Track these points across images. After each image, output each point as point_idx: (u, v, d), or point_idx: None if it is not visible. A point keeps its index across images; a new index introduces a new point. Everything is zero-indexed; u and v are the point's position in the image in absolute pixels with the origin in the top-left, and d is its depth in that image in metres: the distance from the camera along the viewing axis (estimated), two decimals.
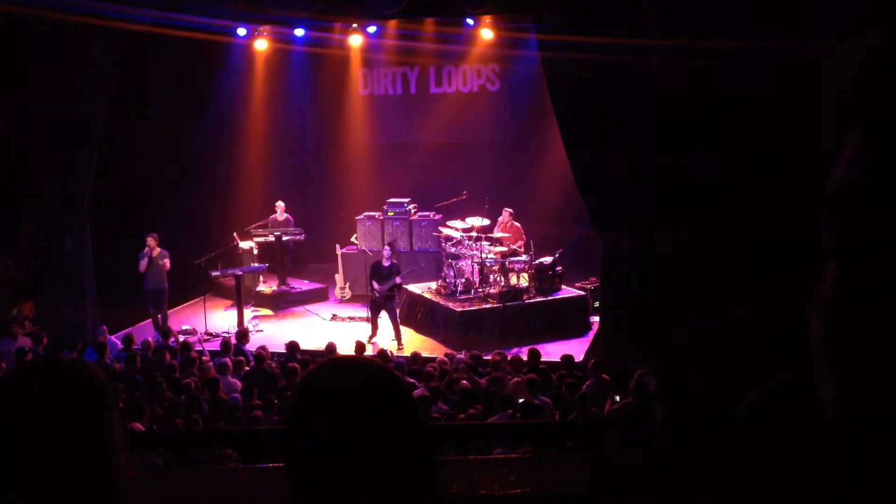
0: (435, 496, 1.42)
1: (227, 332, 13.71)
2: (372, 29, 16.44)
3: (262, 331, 14.12)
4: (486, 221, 14.43)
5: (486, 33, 15.86)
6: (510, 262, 13.92)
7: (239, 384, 10.08)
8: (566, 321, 13.64)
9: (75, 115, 12.80)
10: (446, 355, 11.27)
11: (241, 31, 15.95)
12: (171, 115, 15.42)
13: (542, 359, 11.08)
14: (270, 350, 11.84)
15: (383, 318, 13.54)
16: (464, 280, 13.92)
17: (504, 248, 14.19)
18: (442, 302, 13.76)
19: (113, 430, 1.63)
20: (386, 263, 13.49)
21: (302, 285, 16.43)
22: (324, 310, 15.46)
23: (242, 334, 12.63)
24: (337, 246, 16.11)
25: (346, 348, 12.05)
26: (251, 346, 12.27)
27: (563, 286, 14.13)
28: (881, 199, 0.99)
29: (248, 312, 15.06)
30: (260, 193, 17.17)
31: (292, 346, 11.68)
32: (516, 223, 14.94)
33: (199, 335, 13.98)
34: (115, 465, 1.60)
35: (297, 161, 17.94)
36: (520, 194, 16.05)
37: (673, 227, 10.76)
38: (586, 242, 13.20)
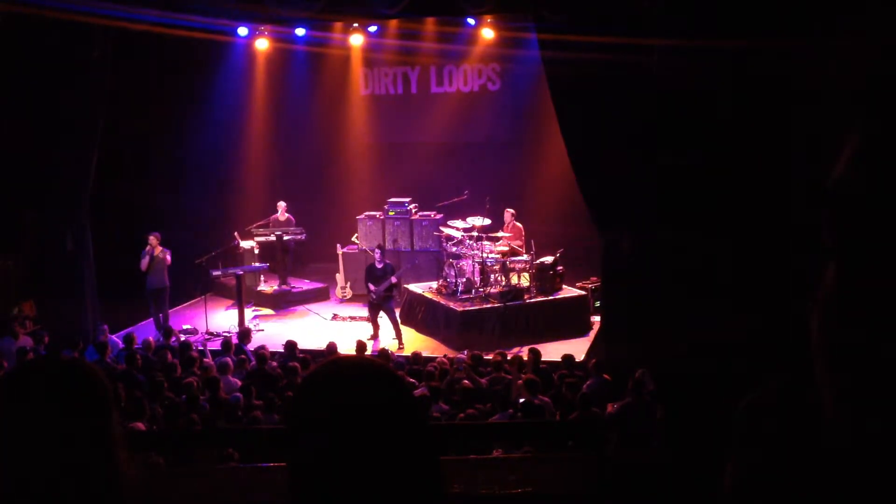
0: (437, 496, 1.42)
1: (228, 332, 13.72)
2: (373, 28, 16.43)
3: (262, 330, 14.12)
4: (487, 221, 14.43)
5: (487, 33, 15.85)
6: (511, 262, 13.92)
7: (239, 383, 10.08)
8: (567, 321, 13.63)
9: (75, 115, 12.79)
10: (447, 358, 11.25)
11: (242, 31, 15.94)
12: (171, 114, 15.42)
13: (543, 358, 11.07)
14: (270, 349, 11.84)
15: (383, 318, 13.54)
16: (465, 280, 13.91)
17: (505, 248, 14.19)
18: (443, 301, 13.76)
19: (113, 430, 1.63)
20: (379, 265, 13.50)
21: (303, 285, 16.43)
22: (325, 309, 15.46)
23: (244, 334, 12.64)
24: (338, 245, 16.11)
25: (346, 348, 12.04)
26: (252, 345, 12.28)
27: (563, 286, 14.13)
28: (881, 199, 0.99)
29: (249, 312, 15.06)
30: (261, 193, 17.17)
31: (290, 346, 11.68)
32: (518, 224, 14.94)
33: (201, 335, 13.99)
34: (115, 465, 1.61)
35: (297, 161, 17.94)
36: (521, 194, 16.04)
37: (673, 227, 10.76)
38: (587, 242, 13.20)
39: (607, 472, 3.51)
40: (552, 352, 11.90)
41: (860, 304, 1.00)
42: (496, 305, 13.38)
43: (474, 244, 14.08)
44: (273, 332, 14.03)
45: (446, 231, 14.78)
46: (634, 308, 11.31)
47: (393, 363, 10.92)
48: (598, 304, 13.47)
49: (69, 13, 11.58)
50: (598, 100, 11.29)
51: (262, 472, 3.47)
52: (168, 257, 14.10)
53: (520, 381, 9.60)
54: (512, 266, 13.91)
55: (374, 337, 13.42)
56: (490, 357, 11.14)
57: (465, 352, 11.54)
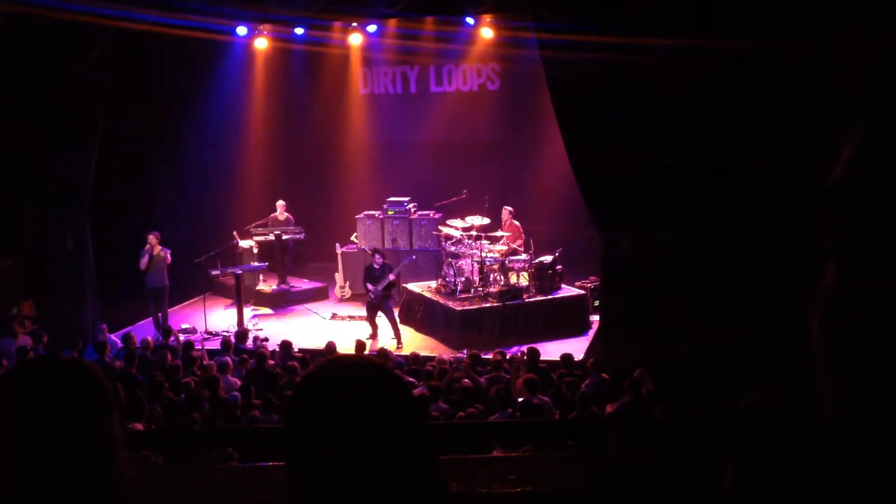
0: (436, 495, 1.42)
1: (227, 331, 13.72)
2: (372, 28, 16.43)
3: (261, 330, 14.11)
4: (486, 220, 14.42)
5: (486, 32, 15.85)
6: (510, 261, 13.92)
7: (238, 383, 10.08)
8: (566, 320, 13.63)
9: (75, 115, 12.79)
10: (445, 357, 11.25)
11: (241, 31, 15.94)
12: (170, 114, 15.41)
13: (542, 358, 11.08)
14: (269, 349, 11.85)
15: (382, 317, 13.55)
16: (464, 279, 13.91)
17: (504, 247, 14.19)
18: (442, 301, 13.76)
19: (113, 430, 1.63)
20: (377, 266, 13.50)
21: (302, 284, 16.43)
22: (324, 309, 15.46)
23: (241, 334, 12.64)
24: (337, 245, 16.11)
25: (345, 347, 12.04)
26: (250, 345, 12.29)
27: (562, 285, 14.13)
28: (880, 199, 0.99)
29: (248, 311, 15.06)
30: (260, 192, 17.17)
31: (285, 346, 11.68)
32: (516, 222, 14.94)
33: (199, 334, 13.99)
34: (114, 464, 1.61)
35: (296, 160, 17.93)
36: (520, 193, 16.04)
37: (673, 227, 10.76)
38: (586, 241, 13.20)
39: (607, 471, 3.51)
40: (551, 351, 11.90)
41: (860, 304, 1.00)
42: (495, 305, 13.38)
43: (473, 243, 14.08)
44: (272, 331, 14.02)
45: (445, 230, 14.77)
46: (633, 307, 11.31)
47: (392, 363, 10.92)
48: (597, 303, 13.47)
49: (69, 13, 11.57)
50: (597, 99, 11.28)
51: (261, 472, 3.48)
52: (168, 256, 14.10)
53: (519, 381, 9.61)
54: (511, 265, 13.91)
55: (373, 336, 13.43)
56: (489, 356, 11.14)
57: (465, 351, 11.55)
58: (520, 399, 8.69)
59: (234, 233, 15.93)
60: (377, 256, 13.70)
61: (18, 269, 13.87)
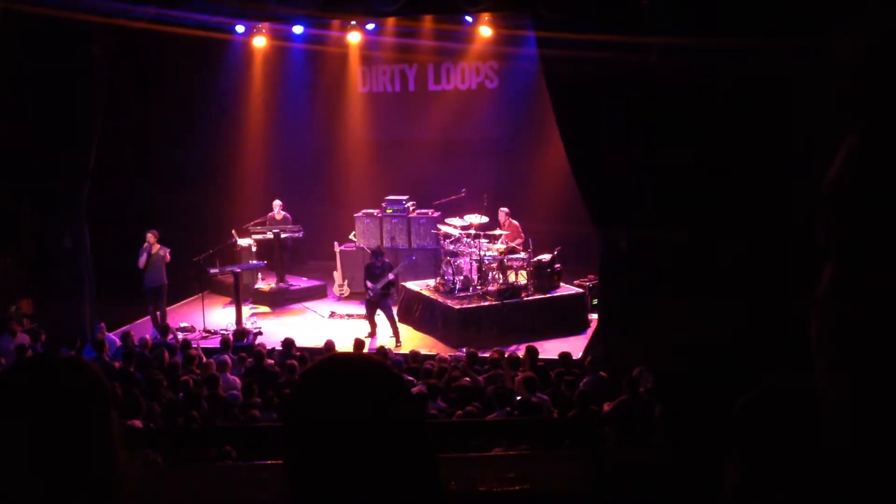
0: (434, 493, 1.42)
1: (226, 330, 13.72)
2: (370, 26, 16.43)
3: (260, 328, 14.11)
4: (485, 219, 14.43)
5: (485, 31, 15.86)
6: (508, 260, 13.92)
7: (238, 381, 10.08)
8: (565, 319, 13.64)
9: (74, 113, 12.78)
10: (449, 357, 11.25)
11: (240, 29, 15.94)
12: (169, 112, 15.40)
13: (541, 356, 11.08)
14: (268, 347, 11.84)
15: (381, 315, 13.55)
16: (462, 278, 13.91)
17: (502, 246, 14.19)
18: (440, 299, 13.76)
19: (111, 428, 1.63)
20: (377, 264, 13.51)
21: (300, 283, 16.43)
22: (322, 307, 15.46)
23: (240, 333, 12.63)
24: (335, 243, 16.11)
25: (344, 345, 12.04)
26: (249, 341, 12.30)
27: (561, 284, 14.13)
28: (877, 199, 0.99)
29: (247, 310, 15.06)
30: (258, 191, 17.16)
31: (288, 343, 11.68)
32: (514, 221, 14.94)
33: (198, 332, 13.99)
34: (113, 463, 1.60)
35: (295, 158, 17.93)
36: (518, 192, 16.04)
37: (672, 225, 10.76)
38: (585, 240, 13.20)
39: (605, 469, 3.51)
40: (550, 350, 11.91)
41: (858, 304, 1.00)
42: (494, 303, 13.38)
43: (472, 242, 14.09)
44: (271, 329, 14.03)
45: (444, 229, 14.77)
46: (632, 306, 11.32)
47: (391, 361, 10.91)
48: (595, 302, 13.48)
49: (68, 11, 11.57)
50: (596, 98, 11.29)
51: (260, 470, 3.47)
52: (167, 255, 14.10)
53: (518, 379, 9.61)
54: (509, 264, 13.91)
55: (372, 335, 13.43)
56: (487, 355, 11.15)
57: (464, 350, 11.56)
58: (518, 397, 8.69)
59: (233, 231, 15.93)
60: (378, 254, 13.71)
61: (17, 267, 13.86)
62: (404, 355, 11.65)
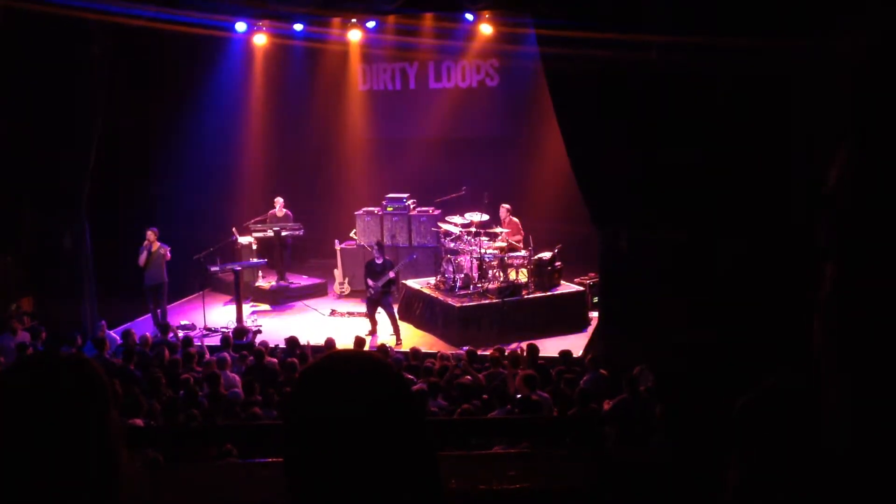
0: (434, 491, 1.42)
1: (226, 327, 13.72)
2: (371, 24, 16.42)
3: (260, 326, 14.12)
4: (486, 217, 14.43)
5: (486, 28, 15.85)
6: (509, 258, 13.92)
7: (238, 379, 10.08)
8: (565, 316, 13.64)
9: (74, 111, 12.78)
10: (450, 355, 11.25)
11: (241, 27, 15.92)
12: (169, 110, 15.40)
13: (541, 354, 11.08)
14: (269, 345, 11.84)
15: (381, 313, 13.56)
16: (463, 275, 13.91)
17: (503, 244, 14.19)
18: (441, 297, 13.77)
19: (111, 427, 1.63)
20: (378, 261, 13.51)
21: (301, 280, 16.43)
22: (323, 305, 15.46)
23: (239, 332, 12.63)
24: (336, 241, 16.12)
25: (344, 343, 12.04)
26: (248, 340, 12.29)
27: (561, 282, 14.13)
28: (876, 202, 0.99)
29: (247, 308, 15.06)
30: (259, 189, 17.17)
31: (292, 341, 11.67)
32: (515, 218, 14.93)
33: (199, 330, 13.99)
34: (113, 462, 1.61)
35: (295, 156, 17.93)
36: (519, 190, 16.04)
37: (672, 224, 10.76)
38: (585, 238, 13.20)
39: (605, 467, 3.52)
40: (550, 347, 11.91)
41: (859, 304, 1.01)
42: (494, 301, 13.38)
43: (472, 240, 14.09)
44: (271, 327, 14.03)
45: (444, 227, 14.77)
46: (632, 304, 11.32)
47: (391, 359, 10.91)
48: (595, 300, 13.47)
49: (68, 9, 11.56)
50: (596, 96, 11.28)
51: (260, 468, 3.48)
52: (168, 253, 14.10)
53: (518, 377, 9.61)
54: (510, 262, 13.91)
55: (372, 333, 13.44)
56: (488, 353, 11.15)
57: (465, 348, 11.57)
58: (518, 395, 8.69)
59: (234, 229, 15.93)
60: (375, 249, 13.69)
61: (17, 266, 13.86)
62: (405, 353, 11.65)
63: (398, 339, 13.13)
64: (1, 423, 1.57)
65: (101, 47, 12.73)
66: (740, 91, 10.23)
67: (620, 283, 11.74)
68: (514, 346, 11.95)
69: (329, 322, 14.42)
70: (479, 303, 13.44)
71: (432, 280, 14.57)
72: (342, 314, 14.80)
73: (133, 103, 14.28)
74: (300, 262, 17.40)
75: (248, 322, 14.19)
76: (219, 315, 14.91)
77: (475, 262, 13.90)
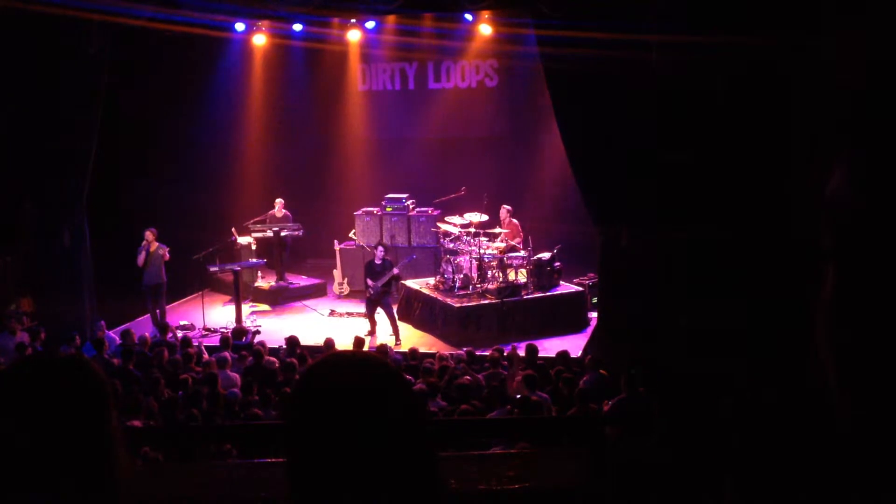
0: (435, 490, 1.42)
1: (226, 328, 13.72)
2: (370, 24, 16.41)
3: (259, 326, 14.12)
4: (485, 217, 14.43)
5: (485, 29, 15.85)
6: (508, 258, 13.92)
7: (238, 378, 10.09)
8: (564, 317, 13.65)
9: (73, 111, 12.78)
10: (449, 355, 11.25)
11: (240, 27, 15.92)
12: (168, 110, 15.40)
13: (540, 354, 11.08)
14: (268, 345, 11.83)
15: (380, 314, 13.55)
16: (462, 276, 13.91)
17: (502, 244, 14.19)
18: (440, 298, 13.76)
19: (111, 427, 1.63)
20: (378, 261, 13.50)
21: (300, 281, 16.43)
22: (322, 305, 15.46)
23: (239, 332, 12.62)
24: (335, 241, 16.11)
25: (344, 344, 12.04)
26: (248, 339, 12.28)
27: (561, 282, 14.13)
28: (875, 204, 0.99)
29: (247, 308, 15.06)
30: (258, 189, 17.16)
31: (292, 341, 11.67)
32: (514, 219, 14.94)
33: (198, 331, 13.99)
34: (113, 462, 1.60)
35: (295, 157, 17.93)
36: (518, 190, 16.04)
37: (672, 224, 10.75)
38: (585, 238, 13.21)
39: (605, 468, 3.51)
40: (549, 348, 11.91)
41: (858, 305, 1.00)
42: (493, 302, 13.38)
43: (472, 240, 14.09)
44: (270, 328, 14.03)
45: (444, 227, 14.78)
46: (632, 305, 11.31)
47: (390, 359, 10.90)
48: (595, 300, 13.47)
49: (67, 9, 11.56)
50: (596, 96, 11.28)
51: (260, 468, 3.47)
52: (166, 253, 14.09)
53: (517, 378, 9.61)
54: (509, 262, 13.91)
55: (372, 333, 13.43)
56: (487, 353, 11.15)
57: (464, 349, 11.56)
58: (518, 395, 8.70)
59: (233, 229, 15.92)
60: (379, 250, 13.68)
61: (16, 266, 13.86)
62: (403, 353, 11.65)
63: (397, 339, 13.13)
64: (0, 423, 1.57)
65: (101, 47, 12.72)
66: (741, 89, 10.22)
67: (620, 284, 11.74)
68: (513, 346, 11.94)
69: (328, 322, 14.42)
70: (478, 303, 13.44)
71: (431, 280, 14.57)
72: (341, 314, 14.79)
73: (133, 103, 14.28)
74: (299, 263, 17.39)
75: (248, 322, 14.18)
76: (218, 315, 14.91)
77: (474, 263, 13.90)
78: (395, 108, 17.95)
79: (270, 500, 2.91)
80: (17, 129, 12.72)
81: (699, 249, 10.56)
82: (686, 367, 9.19)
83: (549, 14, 11.45)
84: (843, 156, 1.05)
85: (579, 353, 11.77)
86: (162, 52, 14.68)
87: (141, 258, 14.01)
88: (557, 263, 14.02)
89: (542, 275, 13.87)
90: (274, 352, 11.49)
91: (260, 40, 16.79)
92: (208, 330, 14.05)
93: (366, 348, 11.85)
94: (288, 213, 16.36)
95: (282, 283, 16.01)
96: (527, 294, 13.68)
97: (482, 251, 13.91)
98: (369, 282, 13.41)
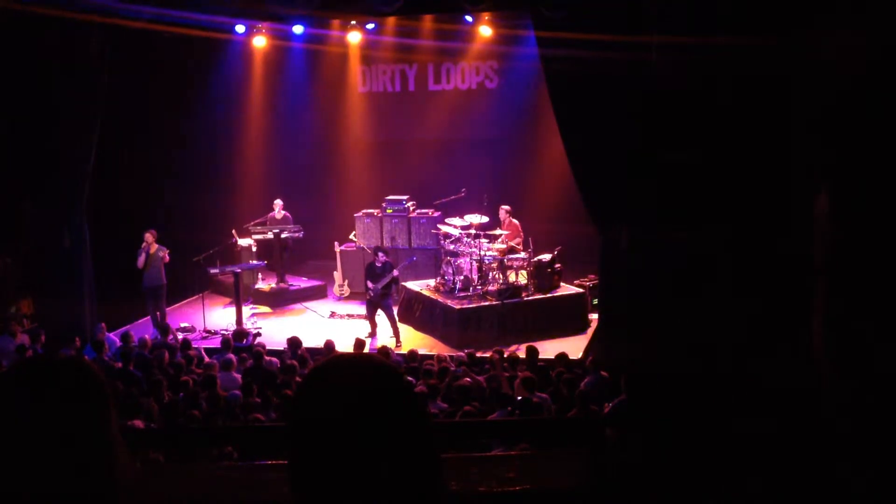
0: (436, 490, 1.42)
1: (226, 330, 13.72)
2: (370, 26, 16.42)
3: (260, 328, 14.11)
4: (485, 219, 14.42)
5: (485, 30, 15.85)
6: (509, 260, 13.92)
7: (239, 379, 10.09)
8: (565, 318, 13.64)
9: (73, 112, 12.79)
10: (449, 357, 11.25)
11: (240, 28, 15.92)
12: (169, 112, 15.40)
13: (541, 356, 11.08)
14: (268, 347, 11.84)
15: (381, 315, 13.55)
16: (462, 277, 13.91)
17: (503, 246, 14.18)
18: (440, 299, 13.76)
19: (112, 428, 1.63)
20: (378, 263, 13.50)
21: (300, 282, 16.43)
22: (322, 307, 15.46)
23: (239, 335, 12.62)
24: (335, 243, 16.11)
25: (344, 346, 12.04)
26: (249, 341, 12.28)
27: (561, 283, 14.13)
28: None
29: (247, 310, 15.06)
30: (258, 191, 17.17)
31: (294, 343, 11.67)
32: (514, 220, 14.93)
33: (198, 332, 13.99)
34: (114, 463, 1.60)
35: (295, 158, 17.93)
36: (519, 191, 16.04)
37: (672, 225, 10.76)
38: (585, 240, 13.21)
39: (605, 469, 3.51)
40: (550, 350, 11.91)
41: (852, 316, 1.01)
42: (494, 303, 13.38)
43: (472, 242, 14.08)
44: (271, 329, 14.03)
45: (444, 229, 14.77)
46: (632, 306, 11.31)
47: (391, 361, 10.91)
48: (595, 301, 13.47)
49: (67, 10, 11.57)
50: (596, 97, 11.28)
51: (261, 471, 3.47)
52: (166, 255, 14.08)
53: (517, 379, 9.61)
54: (510, 264, 13.91)
55: (372, 335, 13.43)
56: (487, 355, 11.15)
57: (465, 351, 11.56)
58: (518, 397, 8.70)
59: (233, 231, 15.93)
60: (380, 254, 13.68)
61: (17, 267, 13.86)
62: (404, 355, 11.65)
63: (398, 341, 13.13)
64: (0, 425, 1.57)
65: (101, 48, 12.73)
66: (740, 91, 10.23)
67: (620, 285, 11.73)
68: (513, 348, 11.95)
69: (329, 324, 14.42)
70: (478, 305, 13.44)
71: (432, 282, 14.57)
72: (342, 316, 14.80)
73: (133, 105, 14.28)
74: (300, 264, 17.40)
75: (248, 324, 14.18)
76: (218, 317, 14.91)
77: (475, 264, 13.90)
78: (396, 110, 17.96)
79: (272, 502, 2.91)
80: (18, 130, 12.73)
81: (699, 250, 10.56)
82: (687, 368, 9.19)
83: (549, 15, 11.46)
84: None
85: (580, 355, 11.77)
86: (162, 54, 14.69)
87: (141, 260, 14.01)
88: (558, 265, 14.02)
89: (543, 276, 13.87)
90: (276, 354, 11.49)
91: (260, 42, 16.79)
92: (209, 332, 14.05)
93: (366, 350, 11.85)
94: (288, 215, 16.36)
95: (282, 284, 16.01)
96: (527, 295, 13.67)
97: (482, 253, 13.91)
98: (369, 284, 13.41)
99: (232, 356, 10.71)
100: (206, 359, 11.34)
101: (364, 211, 16.42)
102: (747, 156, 10.19)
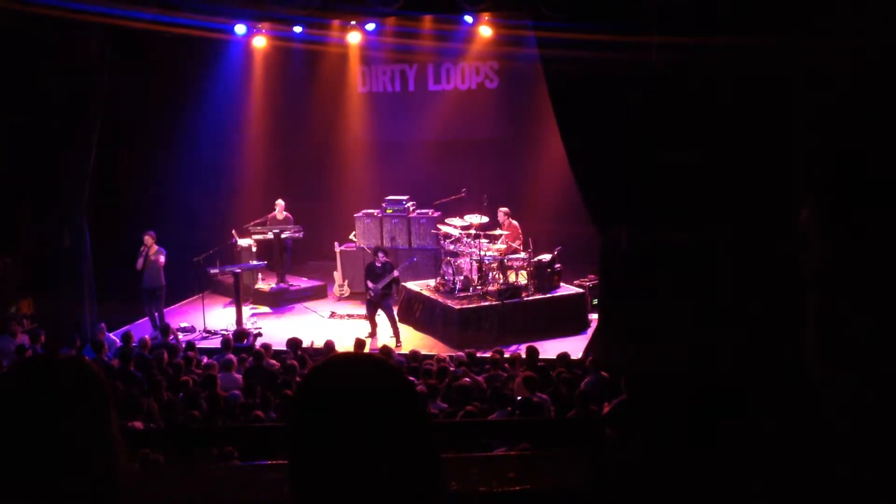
0: (437, 490, 1.42)
1: (226, 330, 13.72)
2: (370, 26, 16.41)
3: (260, 328, 14.11)
4: (485, 219, 14.42)
5: (485, 30, 15.84)
6: (509, 260, 13.92)
7: (240, 380, 10.09)
8: (565, 319, 13.64)
9: (73, 113, 12.79)
10: (449, 357, 11.25)
11: (240, 29, 15.92)
12: (168, 112, 15.40)
13: (541, 356, 11.08)
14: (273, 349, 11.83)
15: (381, 316, 13.55)
16: (462, 278, 13.91)
17: (503, 246, 14.19)
18: (440, 300, 13.76)
19: (111, 428, 1.63)
20: (379, 264, 13.51)
21: (300, 283, 16.43)
22: (322, 307, 15.46)
23: (240, 335, 12.62)
24: (336, 243, 16.11)
25: (344, 346, 12.04)
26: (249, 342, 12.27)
27: (561, 284, 14.13)
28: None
29: (247, 310, 15.06)
30: (258, 191, 17.17)
31: (294, 343, 11.66)
32: (513, 222, 14.93)
33: (198, 333, 13.99)
34: (114, 463, 1.60)
35: (295, 158, 17.93)
36: (519, 191, 16.04)
37: (672, 225, 10.76)
38: (585, 240, 13.20)
39: (605, 469, 3.52)
40: (550, 350, 11.91)
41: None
42: (494, 303, 13.38)
43: (472, 242, 14.08)
44: (271, 330, 14.03)
45: (444, 229, 14.77)
46: (632, 306, 11.31)
47: (394, 361, 10.90)
48: (595, 301, 13.47)
49: (67, 11, 11.57)
50: (596, 97, 11.28)
51: (262, 470, 3.47)
52: (161, 258, 14.06)
53: (518, 379, 9.61)
54: (510, 264, 13.91)
55: (372, 335, 13.43)
56: (487, 355, 11.14)
57: (465, 351, 11.56)
58: (519, 397, 8.70)
59: (233, 231, 15.93)
60: (380, 254, 13.68)
61: (17, 267, 13.86)
62: (404, 355, 11.65)
63: (398, 341, 13.12)
64: (0, 425, 1.57)
65: (101, 48, 12.73)
66: (740, 91, 10.23)
67: (620, 285, 11.73)
68: (513, 348, 11.94)
69: (329, 324, 14.42)
70: (478, 305, 13.44)
71: (432, 282, 14.57)
72: (342, 316, 14.80)
73: (133, 105, 14.28)
74: (300, 265, 17.40)
75: (248, 325, 14.18)
76: (219, 317, 14.91)
77: (475, 265, 13.90)
78: (396, 110, 17.96)
79: (271, 503, 2.91)
80: (18, 131, 12.72)
81: (699, 250, 10.56)
82: (687, 368, 9.19)
83: (549, 16, 11.46)
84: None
85: (580, 355, 11.77)
86: (162, 54, 14.69)
87: (140, 262, 14.02)
88: (558, 265, 14.02)
89: (543, 276, 13.87)
90: (278, 354, 11.48)
91: (260, 42, 16.80)
92: (209, 332, 14.05)
93: (366, 350, 11.85)
94: (288, 215, 16.36)
95: (282, 285, 16.01)
96: (527, 296, 13.67)
97: (482, 253, 13.91)
98: (370, 284, 13.41)
99: (232, 356, 10.71)
100: (205, 360, 11.33)
101: (364, 211, 16.42)
102: (747, 156, 10.19)
